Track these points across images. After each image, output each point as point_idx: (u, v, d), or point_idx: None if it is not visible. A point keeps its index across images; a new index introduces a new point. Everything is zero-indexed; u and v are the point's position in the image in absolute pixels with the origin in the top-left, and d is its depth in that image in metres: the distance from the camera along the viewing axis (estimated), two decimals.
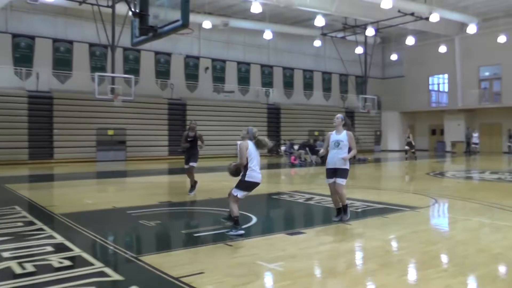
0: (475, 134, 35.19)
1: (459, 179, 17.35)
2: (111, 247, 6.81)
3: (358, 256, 6.45)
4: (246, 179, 7.35)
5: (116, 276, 5.30)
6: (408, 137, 29.11)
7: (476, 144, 34.80)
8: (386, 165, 27.22)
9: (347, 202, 8.63)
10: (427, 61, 41.24)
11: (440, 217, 9.96)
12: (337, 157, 8.29)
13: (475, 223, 8.58)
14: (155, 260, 5.88)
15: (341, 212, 8.50)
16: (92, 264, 5.73)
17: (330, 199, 11.31)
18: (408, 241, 7.03)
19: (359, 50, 36.93)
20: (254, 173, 7.39)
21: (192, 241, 7.28)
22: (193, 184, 12.32)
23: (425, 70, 42.02)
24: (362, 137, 34.96)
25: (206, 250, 6.57)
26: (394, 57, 40.68)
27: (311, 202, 11.12)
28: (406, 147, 29.25)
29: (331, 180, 8.43)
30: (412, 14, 30.45)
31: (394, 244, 7.12)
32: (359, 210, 9.93)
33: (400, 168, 24.58)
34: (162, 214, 9.59)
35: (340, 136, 8.39)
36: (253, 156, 7.39)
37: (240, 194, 7.40)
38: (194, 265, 5.67)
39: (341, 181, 8.34)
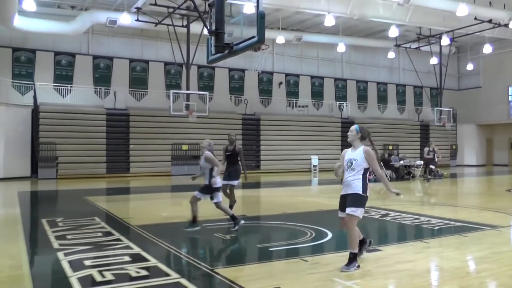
0: None
1: None
2: (186, 259, 6.98)
3: (437, 277, 6.25)
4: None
5: (192, 287, 5.41)
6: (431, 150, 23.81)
7: None
8: (463, 181, 26.28)
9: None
10: (505, 70, 39.51)
11: None
12: (348, 181, 6.47)
13: None
14: (230, 273, 5.96)
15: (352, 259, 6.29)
16: (168, 275, 5.89)
17: (406, 215, 11.14)
18: (490, 263, 6.68)
19: (434, 60, 36.00)
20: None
21: (267, 256, 7.31)
22: (232, 204, 11.05)
23: (503, 80, 40.25)
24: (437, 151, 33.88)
25: (281, 264, 6.59)
26: (470, 67, 39.33)
27: (387, 218, 10.90)
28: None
29: (343, 214, 6.46)
30: (490, 21, 29.30)
31: (475, 265, 6.81)
32: (436, 227, 9.63)
33: (478, 184, 23.66)
34: (236, 230, 9.70)
35: (354, 154, 6.54)
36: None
37: (203, 197, 9.06)
38: (270, 280, 5.70)
39: (350, 210, 6.29)
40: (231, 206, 10.77)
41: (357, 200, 6.30)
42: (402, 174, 25.18)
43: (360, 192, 6.33)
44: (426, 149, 23.26)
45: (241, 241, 8.61)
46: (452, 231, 9.29)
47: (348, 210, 6.27)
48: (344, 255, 7.15)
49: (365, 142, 6.61)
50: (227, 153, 11.23)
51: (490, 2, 28.59)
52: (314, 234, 8.58)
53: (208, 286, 5.72)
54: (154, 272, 6.03)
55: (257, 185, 22.82)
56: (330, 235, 8.61)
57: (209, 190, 9.06)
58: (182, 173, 27.67)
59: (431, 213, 11.41)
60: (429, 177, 22.64)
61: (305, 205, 13.64)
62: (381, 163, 24.58)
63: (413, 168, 25.70)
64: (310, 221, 10.09)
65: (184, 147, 28.61)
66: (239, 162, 11.39)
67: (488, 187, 21.84)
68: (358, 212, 6.28)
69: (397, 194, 6.80)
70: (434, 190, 19.65)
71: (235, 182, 11.27)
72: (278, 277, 5.79)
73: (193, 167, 27.95)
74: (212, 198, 9.08)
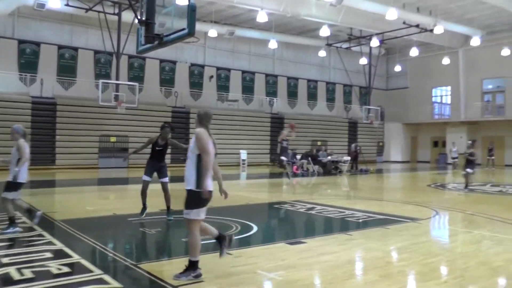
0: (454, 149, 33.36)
1: (460, 191, 17.32)
2: (111, 254, 6.80)
3: (359, 267, 6.45)
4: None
5: (114, 284, 5.28)
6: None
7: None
8: (388, 176, 27.18)
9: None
10: (430, 73, 41.35)
11: (441, 229, 9.93)
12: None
13: (476, 235, 8.56)
14: (155, 268, 5.89)
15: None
16: (91, 271, 5.72)
17: (331, 209, 11.40)
18: (409, 253, 7.02)
19: (364, 61, 37.00)
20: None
21: None
22: (169, 205, 9.69)
23: (428, 82, 42.11)
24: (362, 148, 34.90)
25: (206, 258, 6.54)
26: (398, 68, 40.80)
27: (312, 212, 11.09)
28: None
29: None
30: (417, 25, 30.53)
31: (394, 255, 7.10)
32: (360, 220, 9.91)
33: (402, 179, 24.54)
34: (163, 222, 9.57)
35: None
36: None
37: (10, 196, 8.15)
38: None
39: (184, 213, 5.52)
40: (169, 207, 9.55)
41: (190, 198, 5.46)
42: (330, 169, 25.76)
43: (193, 187, 5.45)
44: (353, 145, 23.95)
45: (166, 235, 8.52)
46: (375, 223, 9.59)
47: (184, 212, 5.50)
48: (268, 248, 7.25)
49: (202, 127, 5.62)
50: (157, 148, 9.75)
51: (418, 8, 29.70)
52: (239, 228, 8.62)
53: (132, 282, 5.60)
54: (76, 268, 5.85)
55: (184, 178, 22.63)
56: (255, 228, 8.67)
57: (14, 186, 8.18)
58: (109, 166, 27.07)
59: (356, 207, 11.74)
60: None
61: (232, 199, 13.59)
62: (309, 158, 25.06)
63: (340, 164, 26.33)
64: (237, 215, 10.13)
65: (112, 139, 27.99)
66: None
67: (411, 182, 22.69)
68: (192, 214, 5.43)
69: (225, 195, 6.07)
70: (360, 184, 20.21)
71: (167, 179, 9.91)
72: (202, 271, 5.75)
73: (121, 160, 27.34)
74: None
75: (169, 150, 10.23)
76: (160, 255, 7.14)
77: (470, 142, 17.67)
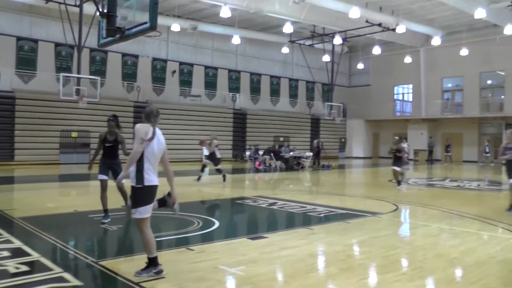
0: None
1: (420, 186, 17.67)
2: (71, 252, 6.68)
3: (319, 261, 6.52)
4: None
5: (75, 282, 5.20)
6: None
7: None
8: (350, 172, 27.51)
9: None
10: (392, 71, 42.07)
11: (401, 223, 10.12)
12: None
13: (435, 229, 8.76)
14: (116, 265, 5.83)
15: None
16: (51, 269, 5.62)
17: (293, 204, 11.49)
18: (369, 246, 7.14)
19: (326, 58, 37.31)
20: None
21: None
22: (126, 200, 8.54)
23: (390, 80, 42.83)
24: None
25: (168, 254, 6.53)
26: (360, 66, 41.36)
27: (274, 207, 11.15)
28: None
29: None
30: (379, 24, 30.99)
31: (355, 249, 7.21)
32: (322, 215, 10.01)
33: (364, 175, 24.88)
34: (125, 218, 9.48)
35: None
36: None
37: None
38: None
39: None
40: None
41: (134, 196, 5.40)
42: (292, 165, 25.92)
43: (134, 183, 5.37)
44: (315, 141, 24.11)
45: (128, 232, 8.40)
46: (337, 218, 9.73)
47: (131, 211, 5.45)
48: (230, 243, 7.26)
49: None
50: (107, 144, 9.09)
51: (380, 7, 30.14)
52: (201, 223, 8.60)
53: (93, 279, 5.54)
54: (36, 267, 5.72)
55: None
56: (217, 224, 8.66)
57: None
58: (71, 162, 26.57)
59: (318, 202, 11.85)
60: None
61: (194, 195, 13.64)
62: (272, 154, 25.16)
63: (302, 159, 26.52)
64: (199, 210, 10.12)
65: (74, 134, 27.48)
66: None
67: (372, 178, 23.05)
68: (137, 213, 5.36)
69: (173, 202, 5.77)
70: (322, 180, 20.40)
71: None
72: (163, 267, 5.72)
73: (82, 155, 26.94)
74: None
75: (128, 145, 9.87)
76: (122, 252, 7.04)
77: (397, 138, 16.87)
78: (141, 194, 5.34)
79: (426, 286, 5.43)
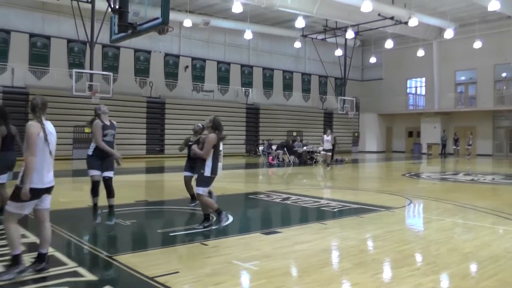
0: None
1: (434, 180, 17.57)
2: (85, 247, 6.74)
3: (333, 255, 6.50)
4: None
5: (89, 276, 5.24)
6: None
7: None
8: (364, 166, 27.41)
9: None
10: (405, 65, 41.83)
11: (414, 217, 10.08)
12: None
13: (449, 223, 8.70)
14: (130, 260, 5.84)
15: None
16: (65, 264, 5.66)
17: (307, 199, 11.48)
18: (383, 241, 7.11)
19: (339, 52, 37.14)
20: None
21: (167, 241, 7.22)
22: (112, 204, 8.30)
23: (403, 73, 42.59)
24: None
25: (181, 249, 6.56)
26: (373, 59, 41.11)
27: (288, 202, 11.14)
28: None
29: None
30: (392, 18, 30.78)
31: (368, 244, 7.18)
32: (336, 210, 9.99)
33: (377, 169, 24.79)
34: (138, 213, 9.53)
35: None
36: None
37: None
38: (169, 265, 5.64)
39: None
40: (111, 206, 8.24)
41: (14, 191, 5.24)
42: (305, 160, 25.88)
43: (19, 182, 5.19)
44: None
45: (141, 226, 8.45)
46: (350, 212, 9.71)
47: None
48: (244, 238, 7.27)
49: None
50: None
51: (392, 1, 29.96)
52: (214, 218, 8.60)
53: (107, 274, 5.56)
54: (50, 261, 5.67)
55: (160, 169, 22.56)
56: (231, 218, 8.65)
57: None
58: (84, 157, 26.63)
59: (331, 196, 11.85)
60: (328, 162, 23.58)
61: None
62: (285, 149, 25.14)
63: (315, 154, 26.47)
64: None
65: (87, 130, 27.63)
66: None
67: (386, 172, 22.95)
68: (11, 207, 5.27)
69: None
70: (336, 174, 20.36)
71: (111, 174, 8.43)
72: (177, 262, 5.75)
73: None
74: None
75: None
76: (135, 247, 7.06)
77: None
78: (20, 194, 5.07)
79: (441, 281, 5.38)
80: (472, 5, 30.42)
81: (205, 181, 7.66)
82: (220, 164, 13.82)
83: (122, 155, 8.68)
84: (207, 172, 7.61)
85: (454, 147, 34.66)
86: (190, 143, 9.89)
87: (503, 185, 16.25)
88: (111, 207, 8.15)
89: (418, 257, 6.42)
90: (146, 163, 26.02)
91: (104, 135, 8.22)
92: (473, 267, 5.93)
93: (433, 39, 38.83)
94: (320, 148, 26.15)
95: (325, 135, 24.11)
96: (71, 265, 5.63)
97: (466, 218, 9.20)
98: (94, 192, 8.21)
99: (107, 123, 8.33)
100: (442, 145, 36.78)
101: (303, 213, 10.02)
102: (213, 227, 7.80)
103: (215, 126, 7.70)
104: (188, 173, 10.04)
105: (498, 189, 15.14)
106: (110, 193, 8.18)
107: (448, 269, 5.73)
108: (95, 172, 8.24)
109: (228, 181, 16.84)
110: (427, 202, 11.68)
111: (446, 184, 16.59)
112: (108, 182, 8.23)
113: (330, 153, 23.81)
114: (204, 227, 7.70)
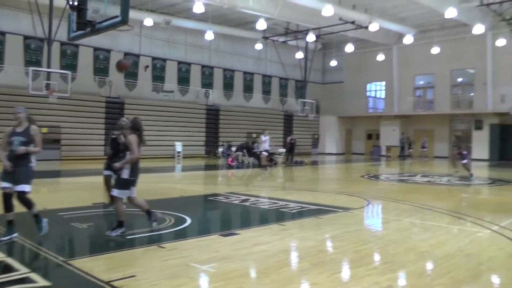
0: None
1: (392, 182, 17.86)
2: (40, 251, 6.52)
3: (292, 256, 6.52)
4: None
5: (42, 282, 5.07)
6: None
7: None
8: (323, 168, 27.65)
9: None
10: (365, 68, 42.44)
11: (373, 218, 10.21)
12: None
13: (406, 223, 8.86)
14: (86, 264, 5.69)
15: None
16: (17, 270, 5.47)
17: (266, 200, 11.48)
18: (341, 241, 7.18)
19: (300, 55, 37.39)
20: None
21: (125, 244, 7.05)
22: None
23: (363, 77, 43.20)
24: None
25: (139, 252, 6.45)
26: (333, 63, 41.56)
27: (247, 203, 11.13)
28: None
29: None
30: (353, 22, 31.21)
31: (327, 244, 7.24)
32: (295, 211, 10.02)
33: (337, 171, 25.03)
34: (96, 216, 9.34)
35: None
36: None
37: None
38: (126, 269, 5.55)
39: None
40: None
41: None
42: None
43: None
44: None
45: (99, 230, 8.20)
46: (309, 213, 9.78)
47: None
48: (202, 240, 7.22)
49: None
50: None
51: (353, 5, 30.33)
52: (173, 221, 8.52)
53: (61, 279, 5.39)
54: (1, 268, 5.56)
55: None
56: (189, 221, 8.59)
57: None
58: (40, 158, 26.09)
59: (291, 198, 11.87)
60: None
61: (166, 191, 13.53)
62: (244, 150, 25.14)
63: (275, 156, 26.56)
64: (171, 207, 10.00)
65: (44, 130, 26.94)
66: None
67: (345, 174, 23.19)
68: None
69: None
70: (295, 176, 20.45)
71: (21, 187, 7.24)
72: (134, 265, 5.65)
73: (52, 151, 26.45)
74: None
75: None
76: (91, 251, 6.88)
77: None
78: None
79: (397, 279, 5.47)
80: (431, 12, 31.12)
81: (122, 184, 7.36)
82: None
83: (79, 156, 8.39)
84: (125, 174, 7.29)
85: (409, 150, 35.67)
86: (113, 136, 9.61)
87: (458, 186, 16.66)
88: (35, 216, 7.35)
89: (376, 257, 6.51)
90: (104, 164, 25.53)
91: (9, 143, 7.19)
92: (429, 266, 6.06)
93: (393, 44, 39.58)
94: (280, 150, 26.32)
95: (262, 136, 24.02)
96: (23, 271, 5.44)
97: (423, 219, 9.38)
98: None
99: (19, 129, 7.37)
100: (401, 148, 37.48)
101: (262, 215, 10.03)
102: (155, 229, 7.68)
103: (135, 127, 7.55)
104: (108, 172, 9.77)
105: (453, 190, 15.53)
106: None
107: (405, 267, 5.84)
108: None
109: (187, 182, 16.74)
110: (385, 203, 11.85)
111: (404, 185, 16.89)
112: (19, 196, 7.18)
113: (266, 154, 23.68)
114: (116, 235, 7.27)
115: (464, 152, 18.76)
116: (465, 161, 18.61)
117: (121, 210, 7.40)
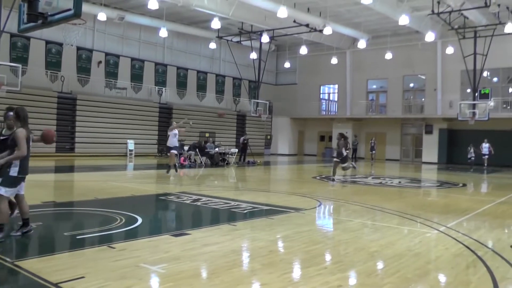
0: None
1: (344, 183, 18.11)
2: None
3: (242, 256, 6.53)
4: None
5: None
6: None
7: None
8: (275, 168, 27.82)
9: None
10: (319, 71, 42.99)
11: (324, 218, 10.35)
12: None
13: (357, 224, 9.01)
14: (34, 265, 5.54)
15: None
16: None
17: (217, 200, 11.46)
18: (292, 241, 7.25)
19: (254, 55, 37.45)
20: None
21: (74, 244, 6.89)
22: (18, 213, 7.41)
23: (317, 79, 43.74)
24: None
25: (88, 253, 6.31)
26: (287, 64, 41.93)
27: (198, 203, 11.08)
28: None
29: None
30: (307, 25, 31.49)
31: (278, 244, 7.28)
32: (246, 211, 10.03)
33: (289, 172, 25.21)
34: (45, 215, 9.08)
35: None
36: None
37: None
38: (75, 270, 5.41)
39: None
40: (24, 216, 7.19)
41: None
42: (217, 161, 25.88)
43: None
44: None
45: (48, 229, 8.00)
46: (260, 214, 9.82)
47: None
48: (152, 240, 7.14)
49: None
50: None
51: (308, 9, 30.66)
52: (123, 220, 8.39)
53: (8, 281, 5.23)
54: None
55: (70, 169, 21.73)
56: (140, 220, 8.49)
57: None
58: None
59: (242, 198, 11.89)
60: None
61: (117, 190, 13.32)
62: (197, 150, 25.04)
63: (227, 156, 26.55)
64: (121, 207, 9.87)
65: None
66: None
67: (297, 175, 23.36)
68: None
69: None
70: (247, 176, 20.49)
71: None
72: (83, 266, 5.53)
73: None
74: None
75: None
76: (41, 251, 6.67)
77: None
78: None
79: (347, 279, 5.56)
80: (384, 18, 31.78)
81: (9, 181, 6.75)
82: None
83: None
84: (13, 171, 6.70)
85: (371, 152, 36.34)
86: (2, 138, 7.56)
87: (408, 188, 17.10)
88: None
89: (326, 257, 6.61)
90: (55, 161, 24.95)
91: None
92: (378, 265, 6.19)
93: (347, 48, 40.33)
94: (233, 150, 26.30)
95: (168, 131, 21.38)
96: None
97: (374, 219, 9.57)
98: None
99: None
100: (353, 150, 38.04)
101: (213, 215, 10.01)
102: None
103: (22, 118, 6.85)
104: None
105: (404, 192, 15.89)
106: None
107: (355, 267, 5.95)
108: None
109: (139, 182, 16.53)
110: (336, 203, 12.02)
111: (356, 186, 17.15)
112: None
113: (175, 152, 19.35)
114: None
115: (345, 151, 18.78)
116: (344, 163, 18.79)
117: (4, 212, 6.80)
